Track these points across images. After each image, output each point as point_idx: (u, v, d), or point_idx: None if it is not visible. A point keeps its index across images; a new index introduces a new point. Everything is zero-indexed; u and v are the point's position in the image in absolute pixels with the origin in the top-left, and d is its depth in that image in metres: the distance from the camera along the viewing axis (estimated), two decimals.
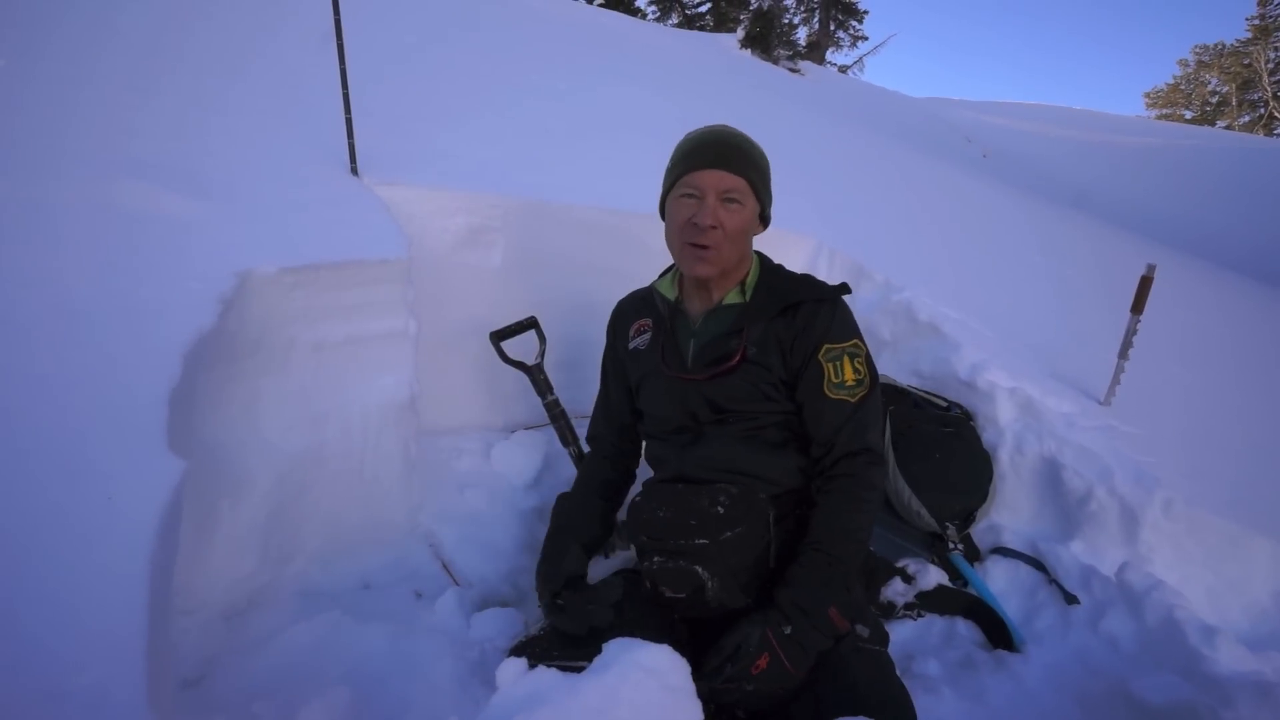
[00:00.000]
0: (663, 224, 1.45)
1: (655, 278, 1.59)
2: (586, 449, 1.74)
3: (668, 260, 1.51)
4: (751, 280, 1.44)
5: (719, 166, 1.33)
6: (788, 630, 1.20)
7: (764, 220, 1.44)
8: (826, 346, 1.35)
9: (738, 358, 1.37)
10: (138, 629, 0.76)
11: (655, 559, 1.33)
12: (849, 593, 1.28)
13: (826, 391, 1.33)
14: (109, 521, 0.86)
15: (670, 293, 1.50)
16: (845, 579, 1.27)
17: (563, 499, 1.59)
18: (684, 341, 1.45)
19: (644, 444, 1.61)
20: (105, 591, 0.79)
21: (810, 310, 1.37)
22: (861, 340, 1.40)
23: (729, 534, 1.28)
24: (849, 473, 1.32)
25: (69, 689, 0.69)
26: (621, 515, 1.58)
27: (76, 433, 0.96)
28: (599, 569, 1.69)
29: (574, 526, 1.49)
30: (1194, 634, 1.47)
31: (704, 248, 1.33)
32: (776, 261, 1.53)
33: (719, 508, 1.30)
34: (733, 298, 1.43)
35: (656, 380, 1.47)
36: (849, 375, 1.34)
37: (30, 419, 0.96)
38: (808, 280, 1.45)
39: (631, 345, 1.54)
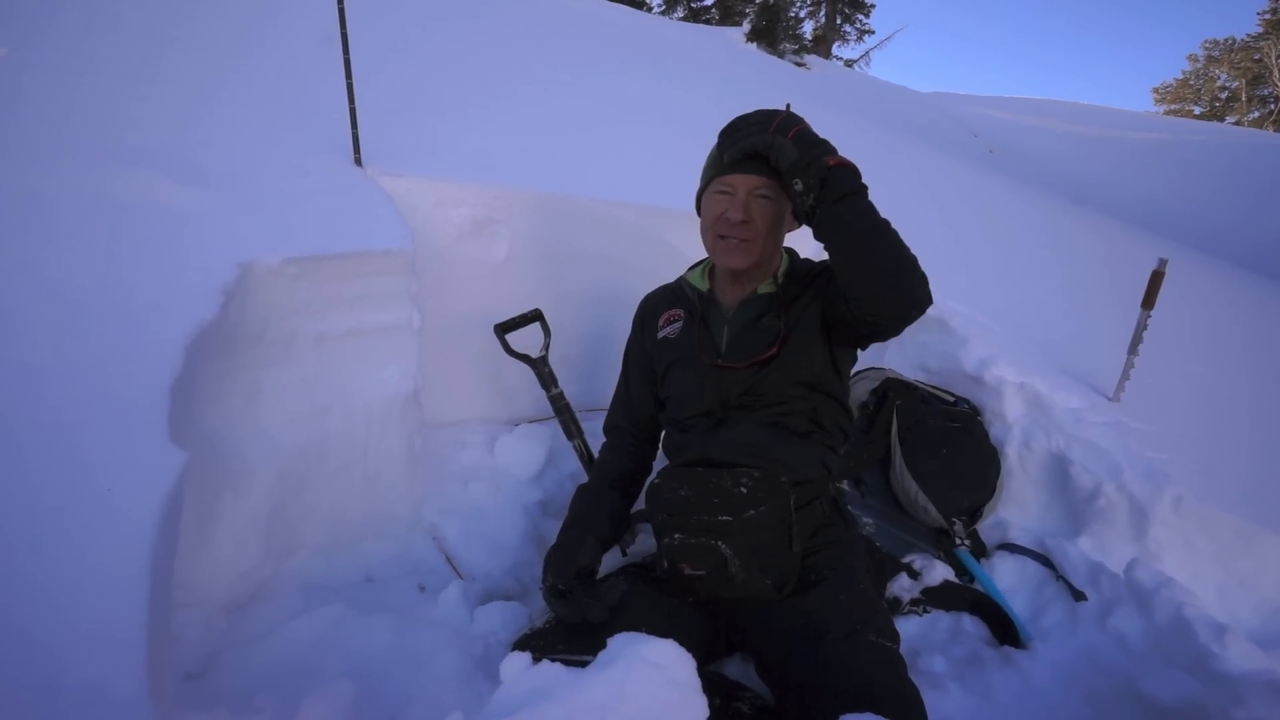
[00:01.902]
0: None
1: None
2: (592, 439, 1.73)
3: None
4: (783, 271, 1.51)
5: (753, 171, 1.37)
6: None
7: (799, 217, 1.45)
8: None
9: (776, 349, 1.41)
10: (137, 622, 0.76)
11: (676, 536, 1.32)
12: (861, 194, 1.26)
13: None
14: (109, 514, 0.85)
15: (702, 284, 1.56)
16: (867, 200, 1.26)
17: (581, 490, 1.59)
18: (717, 329, 1.49)
19: (663, 434, 1.61)
20: (105, 584, 0.78)
21: (815, 278, 1.46)
22: None
23: (752, 512, 1.28)
24: None
25: (67, 683, 0.68)
26: (638, 506, 1.57)
27: (76, 424, 0.95)
28: (615, 563, 1.69)
29: (590, 519, 1.49)
30: (1204, 631, 1.45)
31: (736, 239, 1.40)
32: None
33: (741, 488, 1.31)
34: (766, 288, 1.48)
35: (687, 367, 1.50)
36: None
37: (30, 411, 0.95)
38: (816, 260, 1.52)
39: (660, 335, 1.57)
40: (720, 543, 1.28)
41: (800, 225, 1.47)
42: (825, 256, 1.49)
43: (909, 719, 1.10)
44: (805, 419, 1.41)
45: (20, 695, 0.67)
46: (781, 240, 1.48)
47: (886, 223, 1.25)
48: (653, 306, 1.64)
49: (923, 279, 1.26)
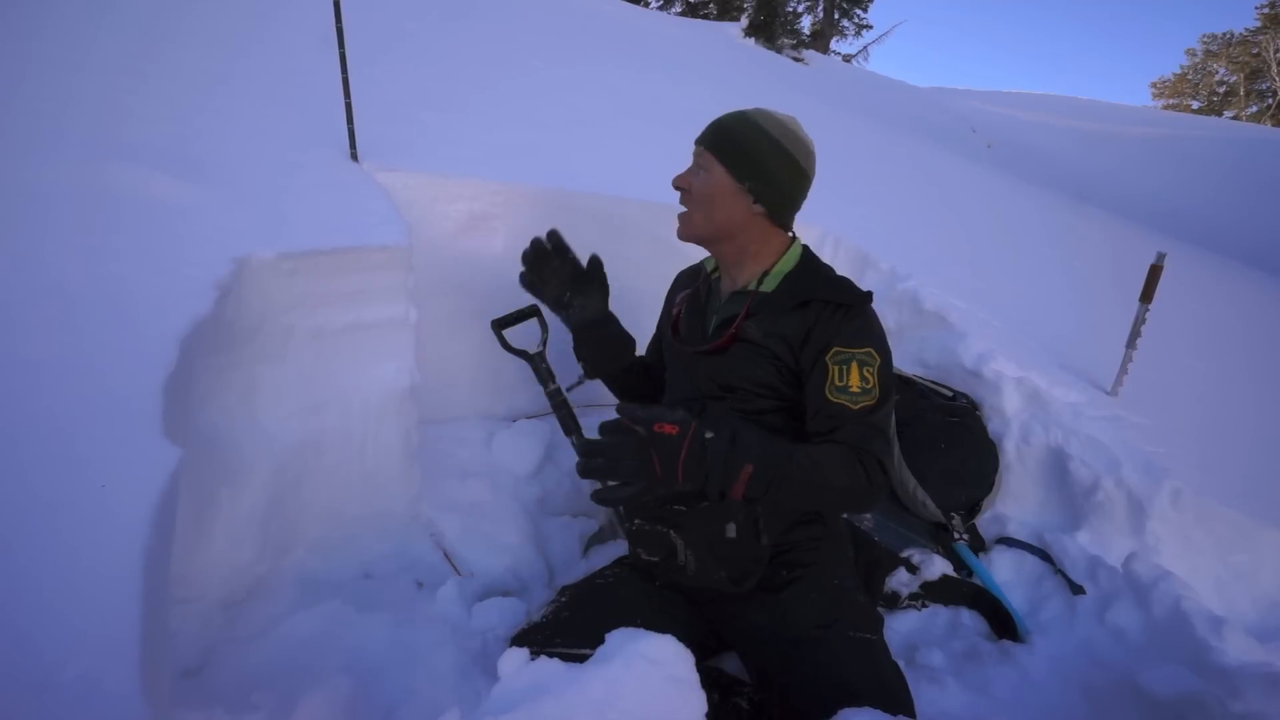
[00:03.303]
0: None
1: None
2: (590, 435, 1.74)
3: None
4: (780, 269, 1.42)
5: (699, 141, 1.42)
6: (708, 435, 1.09)
7: (770, 211, 1.39)
8: (835, 349, 1.28)
9: (726, 339, 1.39)
10: (132, 619, 0.75)
11: (636, 521, 1.37)
12: (770, 490, 1.14)
13: (828, 394, 1.26)
14: (103, 510, 0.85)
15: (711, 266, 1.55)
16: (785, 479, 1.14)
17: None
18: (709, 316, 1.49)
19: None
20: (99, 581, 0.77)
21: (819, 310, 1.32)
22: (881, 352, 1.30)
23: (706, 503, 1.29)
24: (849, 443, 1.23)
25: (61, 680, 0.68)
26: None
27: (70, 420, 0.95)
28: (598, 559, 1.69)
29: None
30: (1202, 625, 1.46)
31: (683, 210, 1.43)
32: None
33: None
34: (753, 285, 1.42)
35: (672, 350, 1.53)
36: (854, 381, 1.25)
37: (22, 406, 0.95)
38: (836, 282, 1.39)
39: (674, 313, 1.59)
40: (671, 531, 1.30)
41: (779, 221, 1.42)
42: (836, 261, 1.48)
43: (890, 705, 1.10)
44: (781, 416, 1.38)
45: (13, 692, 0.66)
46: (732, 221, 1.38)
47: (813, 491, 1.19)
48: (677, 285, 1.67)
49: (864, 497, 1.22)
